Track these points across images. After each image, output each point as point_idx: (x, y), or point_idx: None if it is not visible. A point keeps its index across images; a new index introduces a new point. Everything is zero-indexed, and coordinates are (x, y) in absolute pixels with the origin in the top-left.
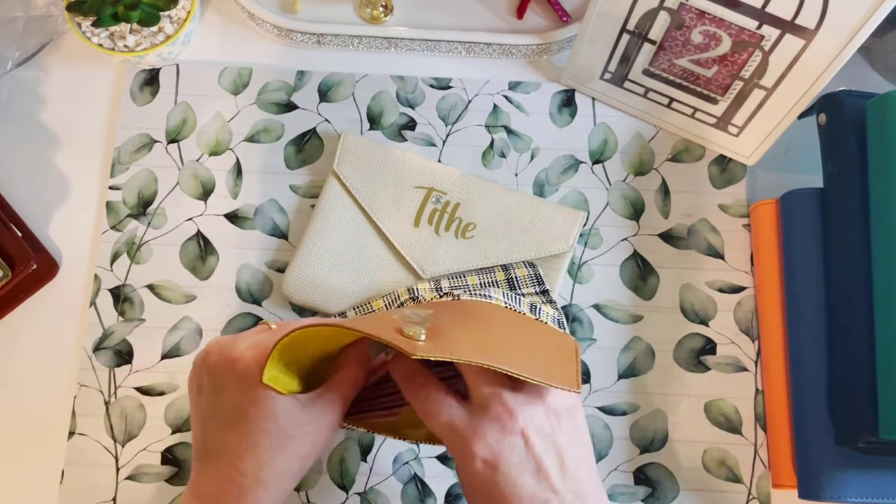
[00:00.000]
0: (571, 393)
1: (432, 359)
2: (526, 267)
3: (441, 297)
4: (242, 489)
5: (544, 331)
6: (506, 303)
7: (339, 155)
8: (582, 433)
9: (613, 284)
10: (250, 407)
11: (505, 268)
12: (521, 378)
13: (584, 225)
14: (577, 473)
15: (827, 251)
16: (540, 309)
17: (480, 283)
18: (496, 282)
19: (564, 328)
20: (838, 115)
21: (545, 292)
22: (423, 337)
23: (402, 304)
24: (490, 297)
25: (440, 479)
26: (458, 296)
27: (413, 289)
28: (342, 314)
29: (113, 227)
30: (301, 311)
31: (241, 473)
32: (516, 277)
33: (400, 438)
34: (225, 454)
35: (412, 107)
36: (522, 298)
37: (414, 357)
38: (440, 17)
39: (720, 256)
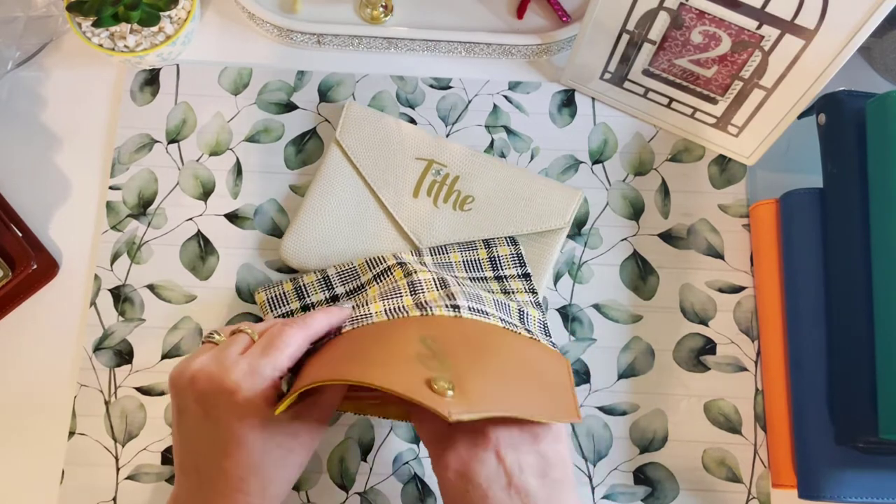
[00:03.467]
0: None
1: (466, 419)
2: (508, 245)
3: (433, 279)
4: None
5: (539, 354)
6: (500, 318)
7: (341, 123)
8: (562, 457)
9: (613, 284)
10: (250, 433)
11: (487, 244)
12: (535, 420)
13: (584, 225)
14: (558, 494)
15: (827, 251)
16: (527, 315)
17: (463, 262)
18: (479, 260)
19: (549, 334)
20: (838, 115)
21: (527, 276)
22: (450, 393)
23: (388, 268)
24: (486, 313)
25: None
26: (456, 301)
27: (398, 255)
28: (324, 273)
29: (113, 227)
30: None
31: (247, 494)
32: (498, 257)
33: (382, 416)
34: (226, 478)
35: (412, 107)
36: (510, 304)
37: (451, 421)
38: (440, 17)
39: (720, 256)
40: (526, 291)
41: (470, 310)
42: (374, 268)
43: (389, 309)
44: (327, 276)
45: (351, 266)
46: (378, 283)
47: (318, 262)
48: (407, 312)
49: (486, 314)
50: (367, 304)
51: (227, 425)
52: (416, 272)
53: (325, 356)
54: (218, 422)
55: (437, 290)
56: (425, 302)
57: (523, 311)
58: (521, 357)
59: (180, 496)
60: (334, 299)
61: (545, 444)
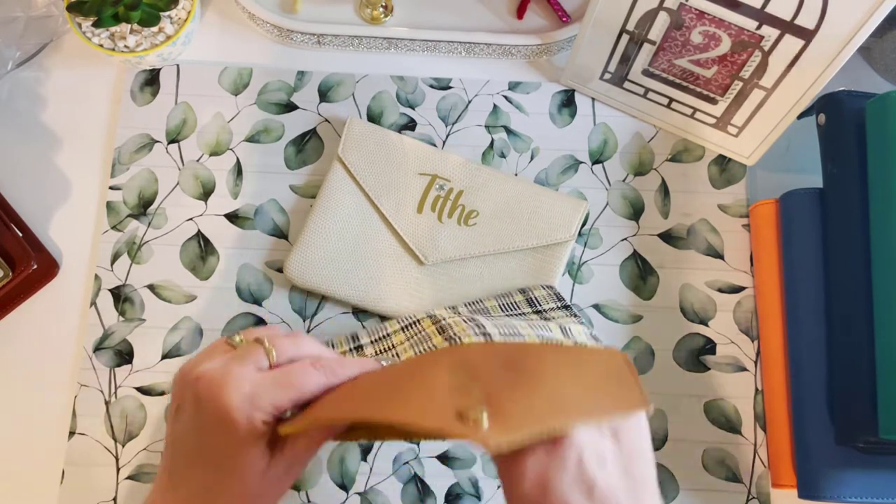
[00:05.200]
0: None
1: (511, 442)
2: (543, 288)
3: (463, 320)
4: None
5: (588, 355)
6: (538, 335)
7: (343, 140)
8: (643, 450)
9: (613, 284)
10: (226, 459)
11: (522, 290)
12: (592, 422)
13: (584, 225)
14: (642, 494)
15: (827, 251)
16: (570, 329)
17: (500, 305)
18: (515, 303)
19: (599, 341)
20: (838, 115)
21: (567, 307)
22: (486, 422)
23: (418, 320)
24: (521, 335)
25: (440, 479)
26: (486, 330)
27: (432, 315)
28: (353, 332)
29: (113, 227)
30: (303, 306)
31: None
32: (535, 298)
33: (375, 440)
34: (188, 487)
35: (412, 107)
36: (549, 323)
37: (494, 452)
38: (440, 18)
39: (720, 256)
40: (568, 316)
41: (501, 335)
42: (403, 322)
43: (415, 342)
44: (356, 333)
45: (381, 325)
46: (405, 332)
47: (323, 281)
48: (435, 347)
49: (521, 336)
50: (393, 349)
51: (211, 437)
52: (444, 319)
53: (344, 391)
54: (200, 430)
55: (466, 326)
56: (454, 335)
57: (565, 328)
58: (567, 361)
59: (154, 491)
60: (358, 349)
61: (626, 439)
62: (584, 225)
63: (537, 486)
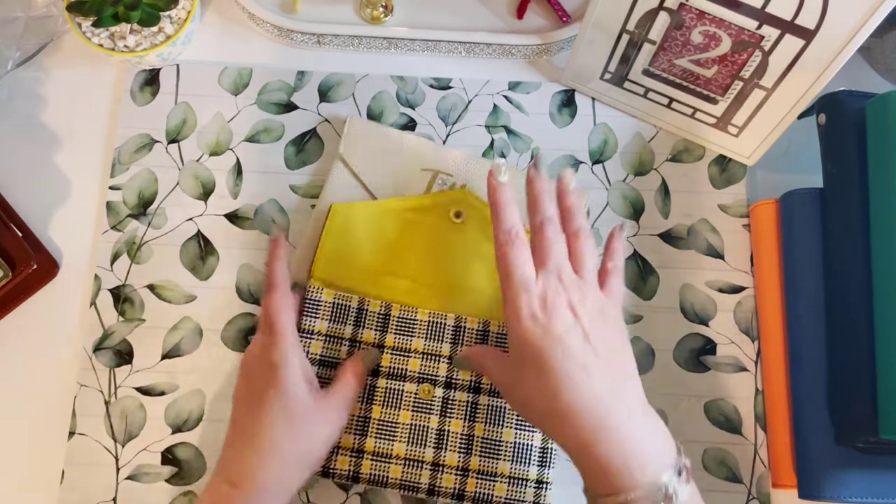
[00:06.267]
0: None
1: None
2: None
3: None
4: (253, 465)
5: None
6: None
7: (344, 139)
8: (622, 326)
9: None
10: (269, 388)
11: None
12: None
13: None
14: (610, 344)
15: (827, 251)
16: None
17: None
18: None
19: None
20: (838, 115)
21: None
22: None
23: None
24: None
25: None
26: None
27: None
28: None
29: (113, 227)
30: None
31: (255, 451)
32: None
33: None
34: (244, 435)
35: (412, 107)
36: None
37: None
38: (440, 18)
39: (720, 256)
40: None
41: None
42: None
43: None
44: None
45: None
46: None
47: None
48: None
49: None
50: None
51: (255, 382)
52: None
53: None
54: (250, 379)
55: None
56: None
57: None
58: None
59: (219, 466)
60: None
61: (609, 311)
62: (587, 206)
63: (536, 322)
